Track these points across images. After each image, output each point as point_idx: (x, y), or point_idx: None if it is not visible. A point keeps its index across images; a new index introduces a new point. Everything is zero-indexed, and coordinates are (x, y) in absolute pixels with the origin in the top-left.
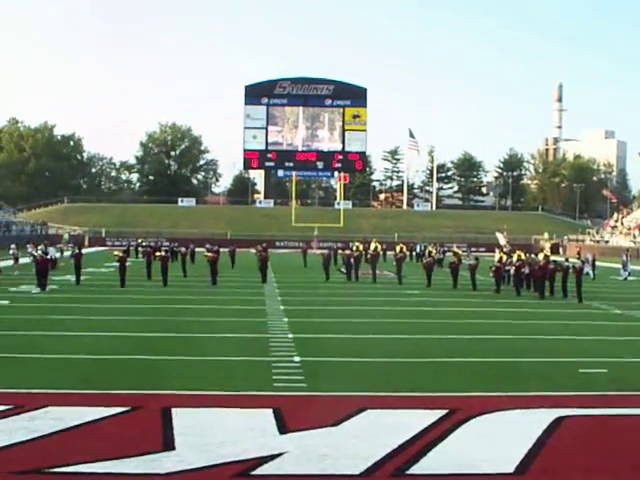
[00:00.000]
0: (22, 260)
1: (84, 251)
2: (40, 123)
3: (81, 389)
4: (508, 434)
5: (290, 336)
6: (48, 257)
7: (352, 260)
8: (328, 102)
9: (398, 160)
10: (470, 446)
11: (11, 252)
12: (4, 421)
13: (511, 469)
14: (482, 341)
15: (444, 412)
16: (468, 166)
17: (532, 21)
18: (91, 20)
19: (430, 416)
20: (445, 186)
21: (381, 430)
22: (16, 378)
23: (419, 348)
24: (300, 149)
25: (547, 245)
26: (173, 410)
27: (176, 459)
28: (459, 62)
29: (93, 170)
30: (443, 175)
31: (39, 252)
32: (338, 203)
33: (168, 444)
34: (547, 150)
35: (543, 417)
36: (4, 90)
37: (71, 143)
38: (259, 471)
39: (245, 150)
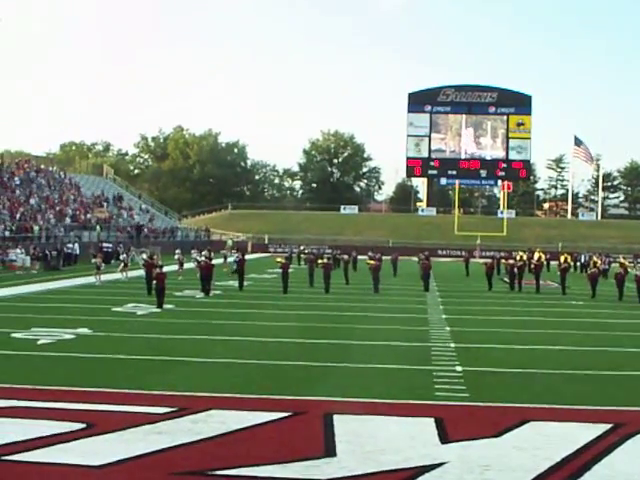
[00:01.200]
0: (186, 265)
1: (247, 257)
2: (205, 130)
3: (244, 393)
4: None
5: (452, 345)
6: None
7: (515, 269)
8: (492, 110)
9: (563, 169)
10: (636, 462)
11: (176, 257)
12: (168, 423)
13: None
14: None
15: (609, 426)
16: (635, 175)
17: None
18: (254, 26)
19: (595, 430)
20: (611, 195)
21: (544, 442)
22: (180, 381)
23: (583, 360)
24: (463, 157)
25: None
26: (335, 417)
27: (337, 465)
28: (625, 69)
29: (257, 177)
30: (609, 184)
31: (203, 257)
32: (501, 212)
33: (330, 450)
34: None
35: None
36: (171, 98)
37: (235, 150)
38: None
39: (408, 158)
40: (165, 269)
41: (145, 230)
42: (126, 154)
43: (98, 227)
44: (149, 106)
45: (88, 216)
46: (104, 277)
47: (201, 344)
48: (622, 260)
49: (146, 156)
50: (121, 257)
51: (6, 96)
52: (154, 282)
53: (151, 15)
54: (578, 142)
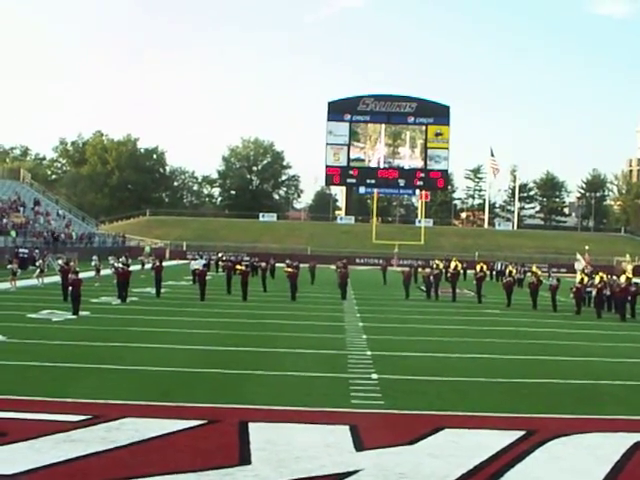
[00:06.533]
0: (103, 272)
1: (165, 264)
2: (124, 136)
3: (159, 401)
4: (586, 457)
5: (368, 353)
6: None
7: (432, 278)
8: (410, 120)
9: (480, 179)
10: (547, 469)
11: (93, 263)
12: (81, 431)
13: None
14: (561, 362)
15: (522, 433)
16: (550, 186)
17: (617, 42)
18: (175, 34)
19: (508, 437)
20: (527, 206)
21: (458, 450)
22: (94, 388)
23: (497, 368)
24: (382, 166)
25: (629, 267)
26: (250, 424)
27: (252, 474)
28: (543, 81)
29: (175, 184)
30: (525, 195)
31: (120, 264)
32: (419, 221)
33: (244, 458)
34: (631, 171)
35: (622, 441)
36: (90, 103)
37: (154, 156)
38: None
39: (327, 166)
40: (82, 275)
41: (62, 236)
42: (44, 158)
43: (14, 232)
44: (69, 111)
45: (4, 221)
46: (19, 283)
47: (116, 351)
48: (535, 269)
49: (64, 161)
50: (37, 263)
51: None
52: (70, 288)
53: (72, 18)
54: (493, 153)
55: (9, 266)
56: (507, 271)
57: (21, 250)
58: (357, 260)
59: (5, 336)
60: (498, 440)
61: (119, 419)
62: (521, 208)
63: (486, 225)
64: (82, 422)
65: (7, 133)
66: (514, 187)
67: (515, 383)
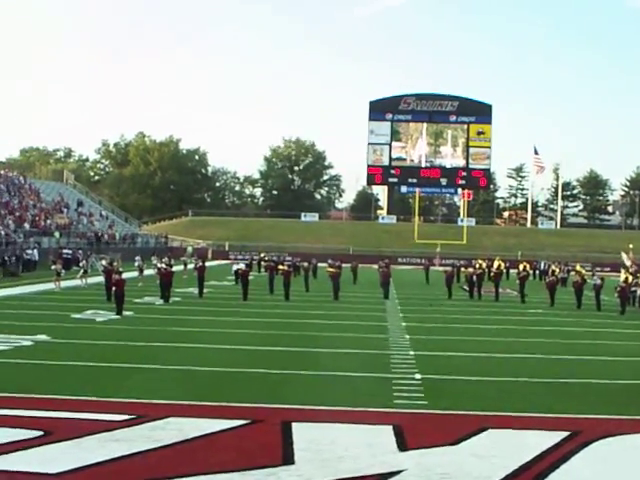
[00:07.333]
0: (146, 272)
1: (207, 264)
2: (166, 137)
3: (202, 401)
4: (631, 459)
5: (411, 353)
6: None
7: (475, 278)
8: (452, 118)
9: (523, 177)
10: (592, 470)
11: (136, 264)
12: (126, 430)
13: None
14: (606, 362)
15: (566, 434)
16: (594, 184)
17: None
18: (216, 35)
19: (552, 437)
20: (570, 204)
21: (502, 450)
22: (138, 388)
23: (541, 368)
24: (424, 165)
25: None
26: (293, 424)
27: (295, 473)
28: (586, 79)
29: (217, 184)
30: (568, 193)
31: (163, 264)
32: (461, 220)
33: (288, 458)
34: None
35: None
36: (133, 105)
37: (196, 157)
38: None
39: (369, 166)
40: (125, 276)
41: (105, 236)
42: (87, 160)
43: (57, 233)
44: (111, 113)
45: (48, 222)
46: (64, 283)
47: (160, 351)
48: (579, 268)
49: (107, 162)
50: (81, 264)
51: None
52: (113, 289)
53: (114, 22)
54: (537, 152)
55: (53, 267)
56: (550, 270)
57: (65, 251)
58: (399, 260)
59: (50, 336)
60: (542, 441)
61: (163, 419)
62: (564, 207)
63: (529, 224)
64: (126, 422)
65: (51, 135)
66: (557, 186)
67: (559, 383)
